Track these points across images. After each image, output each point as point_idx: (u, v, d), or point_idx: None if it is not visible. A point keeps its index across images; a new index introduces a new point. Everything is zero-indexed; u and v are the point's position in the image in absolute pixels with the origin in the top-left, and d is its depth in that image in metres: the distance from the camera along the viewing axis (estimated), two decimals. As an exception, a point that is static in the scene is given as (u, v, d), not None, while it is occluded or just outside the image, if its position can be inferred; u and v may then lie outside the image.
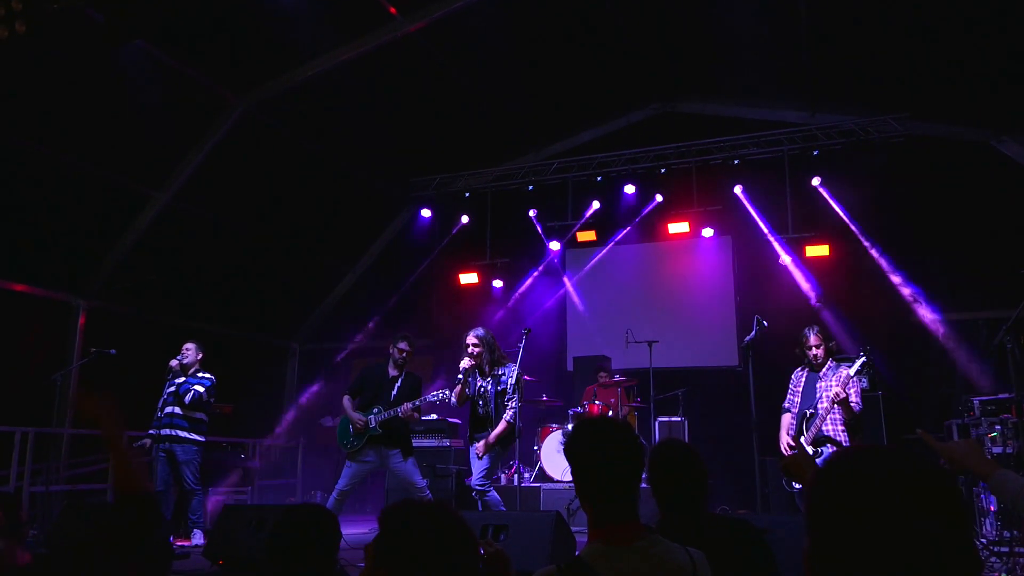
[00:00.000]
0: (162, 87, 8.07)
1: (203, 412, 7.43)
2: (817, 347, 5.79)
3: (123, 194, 9.07)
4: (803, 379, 5.91)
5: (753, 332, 6.14)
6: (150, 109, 8.16)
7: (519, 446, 6.86)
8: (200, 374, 7.45)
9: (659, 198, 10.53)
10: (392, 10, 8.19)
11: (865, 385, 8.07)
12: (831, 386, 5.61)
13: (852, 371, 5.54)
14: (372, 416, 6.34)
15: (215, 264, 10.49)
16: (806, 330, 5.90)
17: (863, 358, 5.56)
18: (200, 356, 7.53)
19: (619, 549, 1.87)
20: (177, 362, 7.42)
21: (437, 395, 6.36)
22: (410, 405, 6.29)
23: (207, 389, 7.37)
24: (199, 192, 9.55)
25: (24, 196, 8.28)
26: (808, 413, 5.71)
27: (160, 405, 7.31)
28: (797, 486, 5.66)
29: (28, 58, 6.99)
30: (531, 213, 11.11)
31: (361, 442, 6.35)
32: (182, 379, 7.37)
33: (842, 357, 5.98)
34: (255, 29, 7.98)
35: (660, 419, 9.26)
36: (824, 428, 5.58)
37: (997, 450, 6.24)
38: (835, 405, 5.48)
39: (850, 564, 1.01)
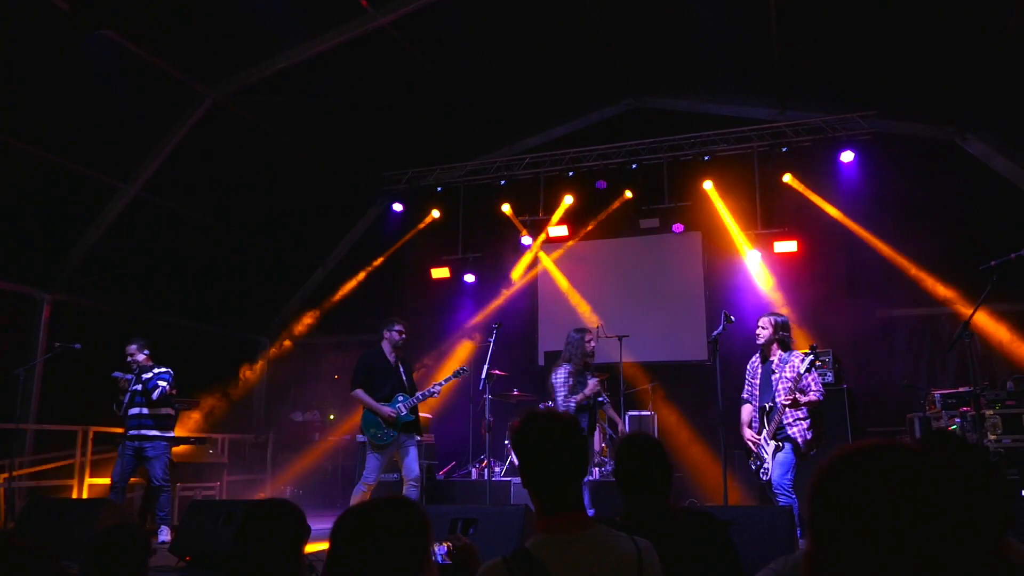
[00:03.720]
0: (129, 77, 7.94)
1: (169, 407, 7.37)
2: (764, 328, 5.92)
3: (89, 186, 8.92)
4: (759, 370, 5.99)
5: (720, 327, 6.20)
6: (117, 99, 8.03)
7: (489, 441, 6.89)
8: (156, 369, 7.36)
9: (629, 194, 10.59)
10: (364, 2, 8.14)
11: (830, 379, 8.21)
12: (785, 377, 5.72)
13: (803, 369, 5.63)
14: (400, 404, 6.51)
15: (183, 257, 10.37)
16: (761, 316, 6.07)
17: (811, 356, 5.64)
18: (147, 352, 7.45)
19: (564, 539, 1.91)
20: (144, 358, 7.33)
21: (460, 371, 6.85)
22: (438, 387, 6.70)
23: (169, 382, 7.31)
24: (167, 184, 9.42)
25: (-14, 187, 8.13)
26: (768, 407, 5.80)
27: (125, 403, 7.20)
28: (764, 477, 5.75)
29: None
30: (504, 208, 11.13)
31: (396, 432, 6.48)
32: (149, 375, 7.28)
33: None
34: (225, 19, 7.88)
35: (630, 413, 9.33)
36: (785, 422, 5.69)
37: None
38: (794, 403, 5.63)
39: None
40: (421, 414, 9.46)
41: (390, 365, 6.69)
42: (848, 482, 0.96)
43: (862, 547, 0.92)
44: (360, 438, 7.88)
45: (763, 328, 5.93)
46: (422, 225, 11.68)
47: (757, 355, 6.08)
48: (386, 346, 6.76)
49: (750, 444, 5.85)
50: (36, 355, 8.86)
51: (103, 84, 7.77)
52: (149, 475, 7.24)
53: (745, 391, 6.10)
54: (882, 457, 0.96)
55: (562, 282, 11.55)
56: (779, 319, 5.94)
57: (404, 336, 6.81)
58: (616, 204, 10.79)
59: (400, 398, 6.52)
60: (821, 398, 5.70)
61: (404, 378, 6.67)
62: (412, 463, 6.50)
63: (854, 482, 0.95)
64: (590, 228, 11.11)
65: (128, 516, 6.48)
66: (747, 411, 6.03)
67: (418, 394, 6.60)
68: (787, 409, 5.66)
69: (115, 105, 8.09)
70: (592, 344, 6.88)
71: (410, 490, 6.47)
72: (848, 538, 0.93)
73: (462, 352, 11.08)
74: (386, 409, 6.46)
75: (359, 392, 6.57)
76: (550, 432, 2.01)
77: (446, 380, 6.75)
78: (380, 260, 12.07)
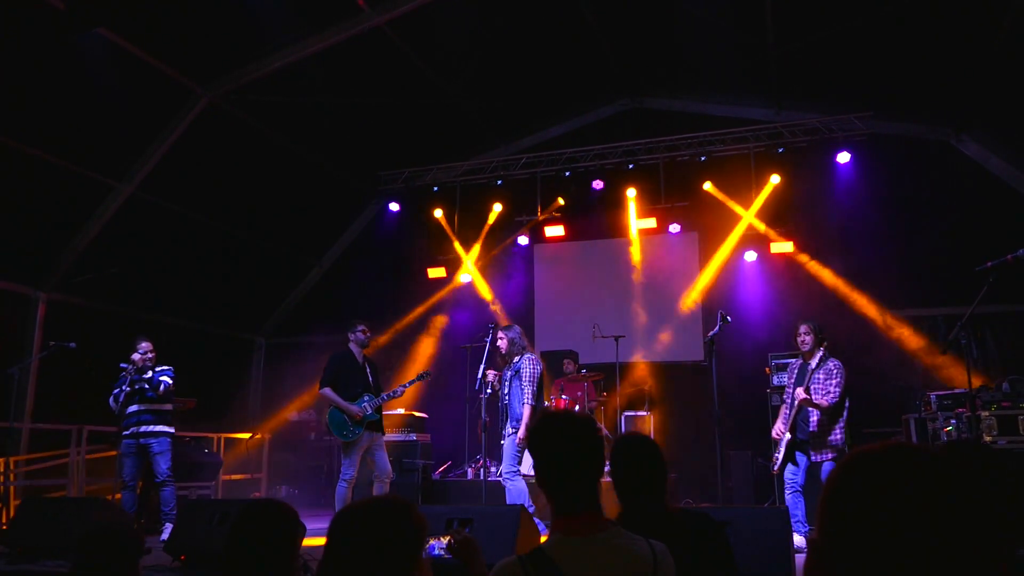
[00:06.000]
0: (124, 76, 7.92)
1: (169, 403, 7.36)
2: (806, 334, 6.02)
3: (84, 185, 8.89)
4: (796, 370, 6.13)
5: (717, 327, 6.21)
6: (112, 99, 8.00)
7: (485, 441, 6.90)
8: (159, 367, 7.35)
9: (633, 192, 10.58)
10: (360, 2, 8.13)
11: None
12: (818, 378, 5.85)
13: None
14: (366, 404, 6.72)
15: (179, 257, 10.34)
16: (799, 323, 6.17)
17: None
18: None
19: (581, 540, 1.90)
20: (140, 356, 7.30)
21: (423, 375, 7.11)
22: (402, 388, 6.95)
23: (173, 379, 7.30)
24: (163, 183, 9.40)
25: (-19, 186, 8.10)
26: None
27: (123, 401, 7.15)
28: (775, 469, 5.85)
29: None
30: (497, 207, 11.13)
31: (361, 430, 6.70)
32: (149, 374, 7.25)
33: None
34: (220, 18, 7.86)
35: (626, 413, 9.33)
36: (812, 419, 5.81)
37: (952, 443, 6.37)
38: (806, 405, 5.74)
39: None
40: (416, 413, 9.50)
41: (358, 365, 6.92)
42: (864, 482, 0.95)
43: (874, 548, 0.91)
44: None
45: (804, 332, 6.04)
46: (418, 225, 11.66)
47: (799, 359, 6.20)
48: (354, 347, 6.97)
49: (776, 435, 6.00)
50: (31, 354, 8.83)
51: (98, 83, 7.75)
52: (152, 470, 7.20)
53: (787, 393, 6.25)
54: (900, 459, 0.95)
55: (558, 282, 11.55)
56: (816, 324, 6.09)
57: (369, 335, 7.06)
58: (613, 204, 10.79)
59: (366, 398, 6.75)
60: (828, 404, 5.78)
61: (371, 379, 6.91)
62: (383, 461, 6.81)
63: (870, 482, 0.94)
64: (587, 228, 11.11)
65: (122, 515, 6.44)
66: (783, 411, 6.21)
67: (383, 395, 6.84)
68: (822, 417, 5.78)
69: (110, 104, 8.07)
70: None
71: (379, 487, 6.73)
72: (861, 539, 0.92)
73: (456, 353, 11.05)
74: (353, 408, 6.68)
75: (327, 391, 6.76)
76: (567, 432, 2.00)
77: (410, 383, 7.04)
78: (376, 260, 12.05)
